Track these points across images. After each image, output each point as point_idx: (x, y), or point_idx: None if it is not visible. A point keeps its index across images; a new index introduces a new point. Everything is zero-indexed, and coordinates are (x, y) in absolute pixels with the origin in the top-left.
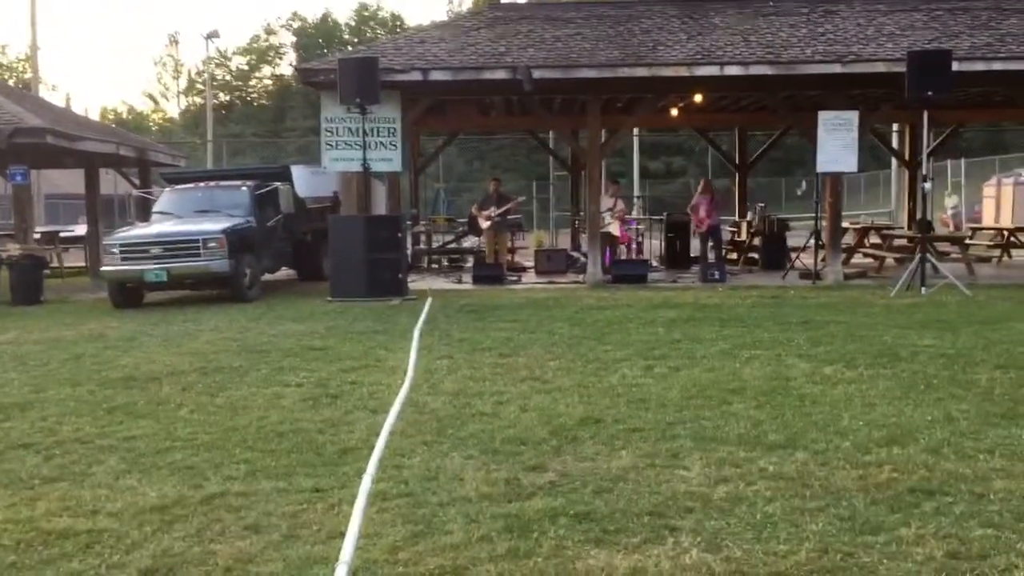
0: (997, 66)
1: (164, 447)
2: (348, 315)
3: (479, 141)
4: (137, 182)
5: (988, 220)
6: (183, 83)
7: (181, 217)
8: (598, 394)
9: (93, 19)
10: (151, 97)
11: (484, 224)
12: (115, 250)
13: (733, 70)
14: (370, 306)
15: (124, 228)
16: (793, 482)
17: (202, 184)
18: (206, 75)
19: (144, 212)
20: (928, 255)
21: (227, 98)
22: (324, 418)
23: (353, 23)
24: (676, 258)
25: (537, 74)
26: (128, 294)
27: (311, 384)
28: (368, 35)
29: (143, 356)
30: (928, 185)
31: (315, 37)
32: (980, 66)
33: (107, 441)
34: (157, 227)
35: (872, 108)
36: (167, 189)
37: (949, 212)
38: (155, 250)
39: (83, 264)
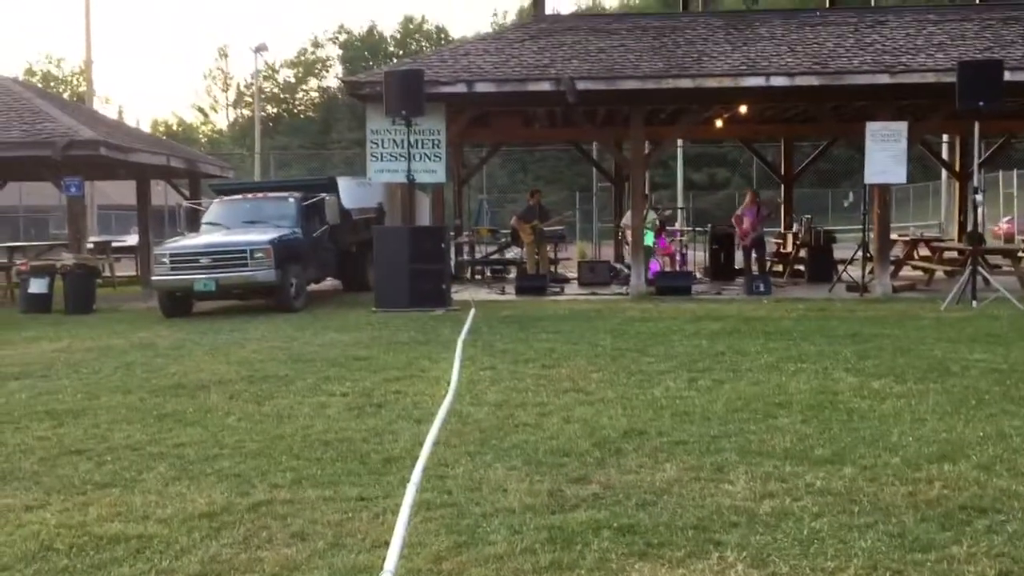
0: None
1: (212, 454)
2: (392, 325)
3: (522, 152)
4: (187, 193)
5: None
6: (232, 96)
7: (229, 228)
8: (641, 406)
9: (146, 34)
10: (200, 110)
11: (528, 239)
12: (165, 260)
13: (779, 81)
14: (414, 317)
15: (174, 239)
16: (841, 498)
17: (250, 195)
18: (254, 88)
19: (193, 223)
20: (979, 268)
21: (275, 110)
22: (369, 427)
23: (398, 36)
24: (720, 270)
25: (581, 85)
26: (177, 303)
27: (356, 393)
28: (413, 47)
29: (192, 364)
30: (980, 197)
31: (361, 50)
32: None
33: (157, 448)
34: (206, 237)
35: (921, 118)
36: (216, 200)
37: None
38: (204, 260)
39: (134, 274)
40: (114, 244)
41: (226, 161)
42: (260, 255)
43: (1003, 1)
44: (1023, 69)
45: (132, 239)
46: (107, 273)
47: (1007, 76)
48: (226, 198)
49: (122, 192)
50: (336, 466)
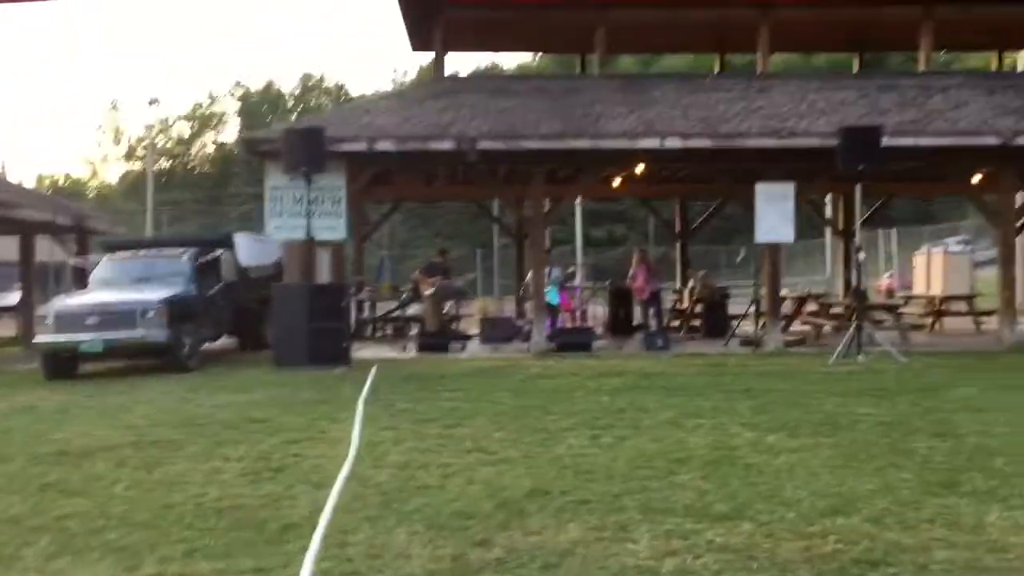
0: (924, 142)
1: (98, 526)
2: (290, 385)
3: (424, 208)
4: (74, 250)
5: (920, 289)
6: (123, 149)
7: (119, 286)
8: (544, 465)
9: (31, 86)
10: (90, 164)
11: (427, 291)
12: (49, 320)
13: (673, 143)
14: (313, 376)
15: (60, 297)
16: (740, 554)
17: (141, 252)
18: (147, 141)
19: (81, 281)
20: (863, 323)
21: (168, 164)
22: (265, 493)
23: (298, 92)
24: (620, 326)
25: (482, 145)
26: (62, 365)
27: (251, 458)
28: (312, 104)
29: (76, 430)
30: (862, 255)
31: (259, 105)
32: (908, 141)
33: (38, 520)
34: (93, 296)
35: (807, 180)
36: (105, 257)
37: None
38: (91, 320)
39: (14, 334)
40: None
41: (117, 217)
42: (151, 314)
43: (880, 71)
44: (900, 135)
45: (12, 297)
46: None
47: (885, 141)
48: (116, 255)
49: (3, 248)
50: (231, 536)
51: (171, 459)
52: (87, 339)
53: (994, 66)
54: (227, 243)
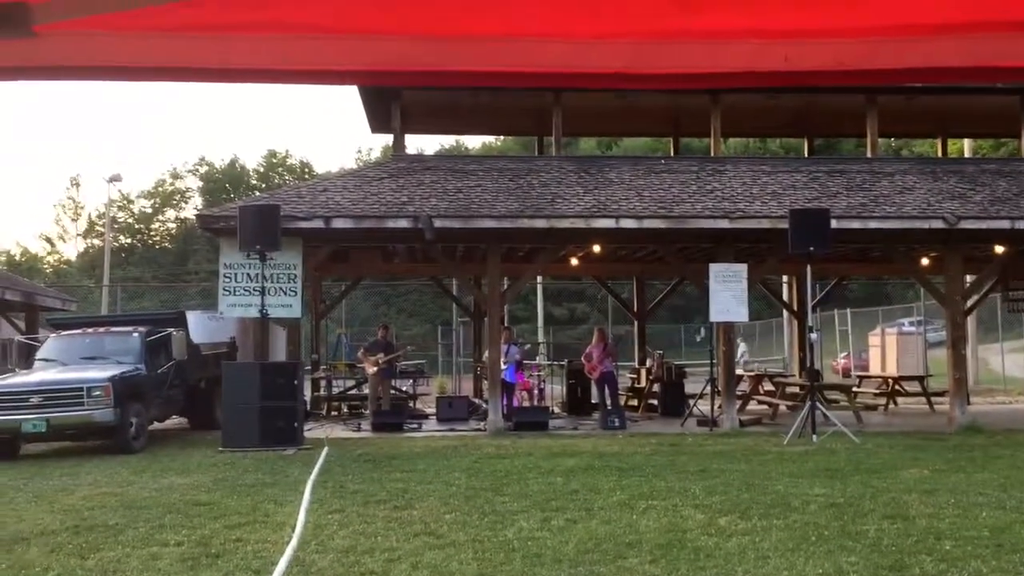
0: (872, 225)
1: None
2: (238, 466)
3: (385, 286)
4: (23, 327)
5: (874, 369)
6: (83, 225)
7: (66, 364)
8: (493, 549)
9: None
10: (47, 239)
11: (371, 370)
12: None
13: (628, 223)
14: (263, 456)
15: (3, 376)
16: None
17: (90, 330)
18: (106, 218)
19: (28, 359)
20: (818, 403)
21: (128, 241)
22: None
23: (261, 169)
24: (577, 404)
25: (438, 223)
26: (3, 446)
27: (191, 543)
28: (276, 181)
29: (12, 514)
30: (815, 335)
31: (222, 182)
32: (856, 224)
33: None
34: (38, 375)
35: (760, 260)
36: (52, 335)
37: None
38: (35, 399)
39: None
40: None
41: (70, 293)
42: (98, 393)
43: (829, 155)
44: (848, 218)
45: None
46: None
47: (833, 224)
48: (64, 332)
49: None
50: None
51: (108, 545)
52: (30, 419)
53: (940, 152)
54: (179, 321)
